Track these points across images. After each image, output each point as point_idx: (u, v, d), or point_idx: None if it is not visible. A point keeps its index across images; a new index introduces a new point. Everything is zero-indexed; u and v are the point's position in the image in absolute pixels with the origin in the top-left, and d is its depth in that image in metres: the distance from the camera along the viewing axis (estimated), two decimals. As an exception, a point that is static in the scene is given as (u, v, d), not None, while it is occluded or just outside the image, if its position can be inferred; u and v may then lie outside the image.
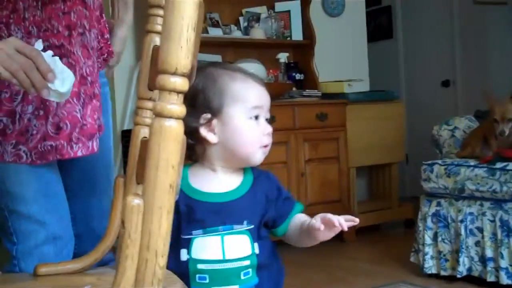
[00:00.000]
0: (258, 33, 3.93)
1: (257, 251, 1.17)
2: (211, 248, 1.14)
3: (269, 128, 1.20)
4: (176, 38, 0.69)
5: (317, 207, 3.69)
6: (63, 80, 1.13)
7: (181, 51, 0.70)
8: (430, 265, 2.82)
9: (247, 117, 1.17)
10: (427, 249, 2.83)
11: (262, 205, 1.20)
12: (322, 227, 1.12)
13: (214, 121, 1.16)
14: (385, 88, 4.42)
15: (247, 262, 1.15)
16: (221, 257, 1.13)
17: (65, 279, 1.02)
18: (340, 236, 3.80)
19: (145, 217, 0.69)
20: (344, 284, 2.84)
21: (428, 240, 2.84)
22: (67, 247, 1.31)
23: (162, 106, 0.70)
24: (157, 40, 0.99)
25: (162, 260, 0.70)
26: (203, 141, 1.17)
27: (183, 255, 1.14)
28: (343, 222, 1.12)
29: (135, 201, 0.69)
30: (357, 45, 4.58)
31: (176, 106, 0.70)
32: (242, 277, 1.15)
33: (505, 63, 4.96)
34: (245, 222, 1.16)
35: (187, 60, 0.70)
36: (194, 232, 1.14)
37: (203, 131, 1.16)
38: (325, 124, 3.77)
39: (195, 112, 1.15)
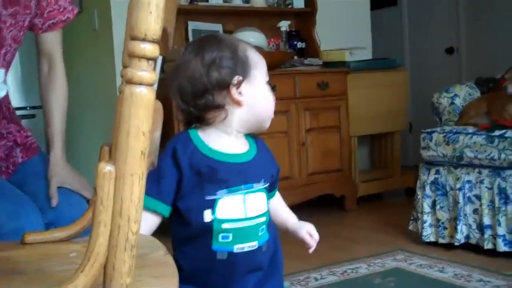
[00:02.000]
0: (258, 1, 3.89)
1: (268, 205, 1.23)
2: (235, 207, 1.16)
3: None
4: (145, 3, 0.69)
5: (319, 176, 3.70)
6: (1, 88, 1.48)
7: (150, 17, 0.69)
8: (428, 233, 2.84)
9: (265, 82, 1.23)
10: (425, 217, 2.84)
11: (271, 164, 1.28)
12: (312, 248, 1.44)
13: (243, 84, 1.19)
14: (389, 56, 4.38)
15: (264, 219, 1.20)
16: (243, 216, 1.17)
17: (52, 247, 1.03)
18: (342, 205, 3.82)
19: (116, 184, 0.69)
20: (344, 252, 2.86)
21: (426, 208, 2.85)
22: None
23: (133, 73, 0.70)
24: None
25: (135, 226, 0.70)
26: (229, 104, 1.19)
27: (207, 216, 1.15)
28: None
29: (107, 168, 0.70)
30: (360, 13, 4.53)
31: (147, 73, 0.70)
32: (260, 233, 1.20)
33: (510, 30, 4.89)
34: (262, 180, 1.20)
35: (156, 26, 0.70)
36: (218, 192, 1.16)
37: (235, 93, 1.18)
38: (326, 93, 3.76)
39: (223, 77, 1.18)
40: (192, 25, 3.67)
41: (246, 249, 1.18)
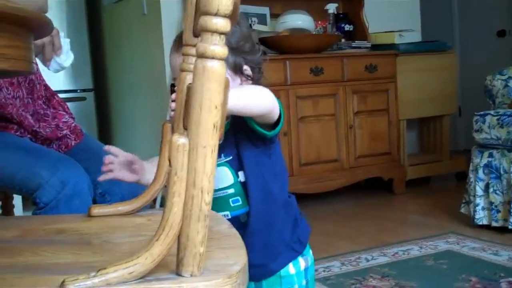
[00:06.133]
0: (306, -17, 3.86)
1: (242, 179, 1.23)
2: None
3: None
4: (218, -22, 0.70)
5: (367, 159, 3.68)
6: (66, 58, 1.51)
7: (223, -8, 0.70)
8: (481, 216, 2.79)
9: None
10: (478, 200, 2.80)
11: (243, 139, 1.22)
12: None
13: None
14: (438, 39, 4.30)
15: (231, 191, 1.24)
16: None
17: (118, 219, 1.06)
18: (390, 188, 3.79)
19: (190, 156, 0.71)
20: (394, 234, 2.84)
21: (479, 191, 2.80)
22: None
23: (205, 47, 0.71)
24: (201, -14, 1.00)
25: (208, 197, 0.72)
26: None
27: None
28: None
29: (181, 140, 0.71)
30: (409, -6, 4.45)
31: (219, 47, 0.71)
32: (232, 205, 1.24)
33: None
34: (222, 155, 1.23)
35: (228, 1, 0.71)
36: None
37: None
38: (375, 75, 3.72)
39: None
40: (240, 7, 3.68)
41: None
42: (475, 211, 2.80)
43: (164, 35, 3.68)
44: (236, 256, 0.81)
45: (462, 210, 2.92)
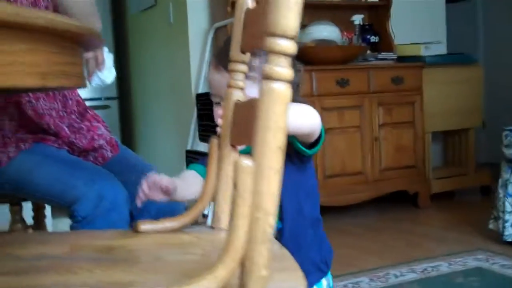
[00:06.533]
0: (332, -6, 3.86)
1: None
2: None
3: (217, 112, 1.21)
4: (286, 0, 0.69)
5: (392, 172, 3.65)
6: (108, 73, 1.56)
7: (290, 13, 0.69)
8: (510, 233, 2.75)
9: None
10: (507, 216, 2.76)
11: None
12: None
13: None
14: (464, 51, 4.27)
15: None
16: None
17: (165, 236, 1.06)
18: (415, 202, 3.76)
19: (255, 177, 0.70)
20: (420, 249, 2.81)
21: (508, 208, 2.76)
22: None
23: (271, 68, 0.71)
24: (249, 2, 1.01)
25: (272, 219, 0.71)
26: None
27: None
28: None
29: (246, 162, 0.71)
30: (435, 6, 4.43)
31: (285, 69, 0.70)
32: None
33: None
34: None
35: (296, 22, 0.70)
36: None
37: None
38: (401, 88, 3.70)
39: None
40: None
41: None
42: (504, 227, 2.76)
43: (190, 44, 3.69)
44: (295, 279, 0.80)
45: (491, 226, 2.88)
